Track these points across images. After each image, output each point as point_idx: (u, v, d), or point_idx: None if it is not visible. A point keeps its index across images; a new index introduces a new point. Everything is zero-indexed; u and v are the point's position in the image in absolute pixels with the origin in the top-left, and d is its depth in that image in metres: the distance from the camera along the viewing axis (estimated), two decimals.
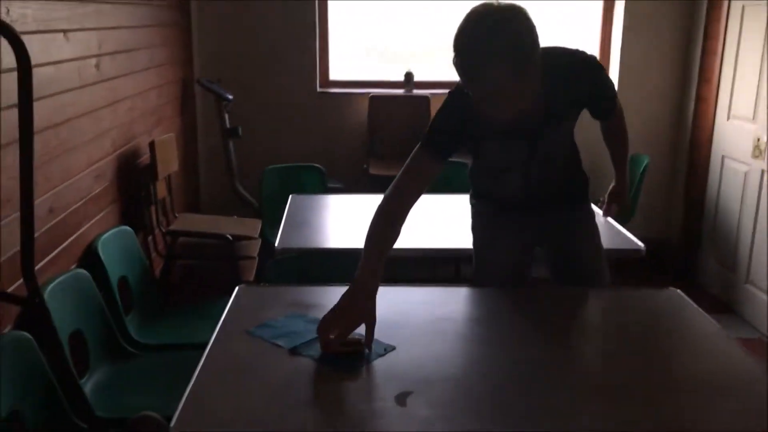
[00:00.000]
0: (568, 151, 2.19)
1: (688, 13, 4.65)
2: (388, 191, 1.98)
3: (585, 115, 2.15)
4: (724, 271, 4.25)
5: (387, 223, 1.94)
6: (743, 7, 4.08)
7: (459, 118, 1.96)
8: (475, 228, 2.36)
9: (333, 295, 1.99)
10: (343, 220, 3.10)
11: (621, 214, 2.67)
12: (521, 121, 1.85)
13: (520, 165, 2.12)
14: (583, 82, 1.96)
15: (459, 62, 1.70)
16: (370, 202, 3.29)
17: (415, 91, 4.71)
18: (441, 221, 2.94)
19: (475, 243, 2.35)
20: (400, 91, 4.79)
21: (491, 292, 2.21)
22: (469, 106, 1.83)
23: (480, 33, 1.66)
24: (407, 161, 1.99)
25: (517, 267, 2.31)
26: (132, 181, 3.26)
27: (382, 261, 1.87)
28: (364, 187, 4.45)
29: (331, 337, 1.74)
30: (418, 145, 1.99)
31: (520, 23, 1.66)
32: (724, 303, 4.22)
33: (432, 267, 3.81)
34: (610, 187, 2.62)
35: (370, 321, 1.77)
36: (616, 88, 4.58)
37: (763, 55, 3.87)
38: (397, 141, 4.67)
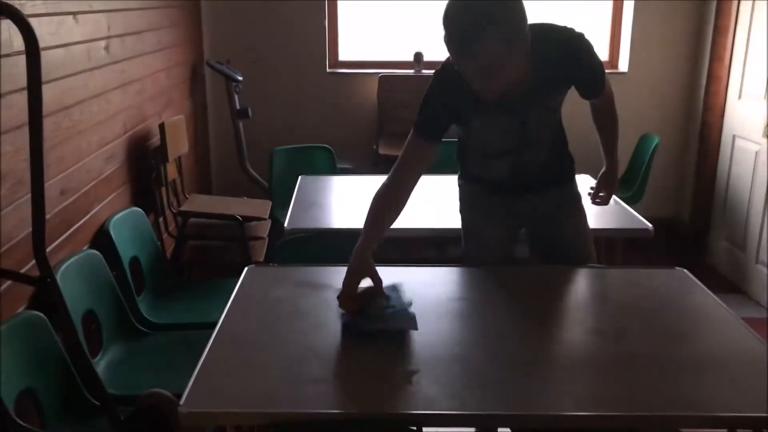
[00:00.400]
0: (555, 132, 2.18)
1: None
2: (387, 179, 2.02)
3: (574, 97, 2.14)
4: (734, 250, 4.24)
5: (385, 208, 2.01)
6: None
7: (447, 98, 1.99)
8: (463, 209, 2.36)
9: (341, 275, 2.01)
10: (352, 200, 3.11)
11: (607, 200, 2.44)
12: (509, 97, 1.88)
13: (509, 143, 2.11)
14: (571, 59, 1.96)
15: (451, 34, 1.73)
16: (380, 183, 3.32)
17: (425, 71, 4.70)
18: (427, 202, 2.93)
19: (463, 224, 2.36)
20: (409, 71, 4.77)
21: (483, 272, 2.22)
22: (457, 84, 1.87)
23: (472, 3, 1.70)
24: (403, 149, 2.04)
25: (505, 247, 2.32)
26: (143, 163, 3.29)
27: (380, 240, 1.96)
28: (374, 168, 4.46)
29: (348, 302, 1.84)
30: (411, 132, 2.03)
31: None
32: (733, 283, 4.22)
33: (419, 248, 3.83)
34: (601, 171, 2.44)
35: (371, 272, 1.87)
36: (625, 69, 4.50)
37: None
38: (407, 121, 4.63)
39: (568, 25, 1.98)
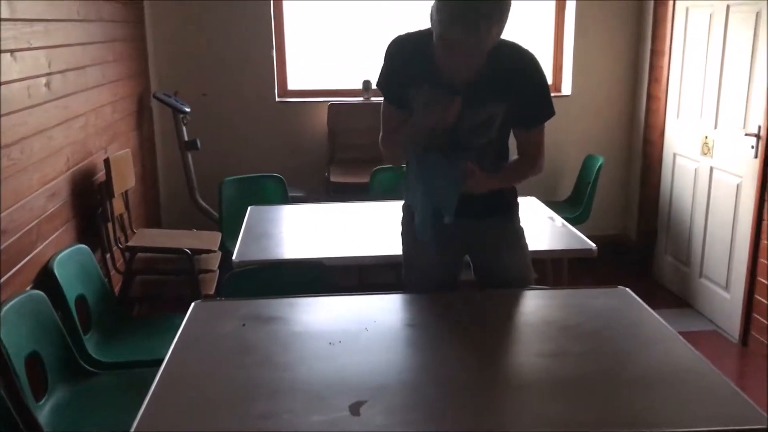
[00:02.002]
0: (495, 151, 2.21)
1: (636, 14, 4.76)
2: (381, 137, 2.23)
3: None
4: (679, 266, 4.36)
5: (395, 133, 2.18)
6: (687, 9, 4.19)
7: (400, 64, 2.10)
8: (405, 235, 2.38)
9: (292, 307, 2.02)
10: (303, 230, 3.12)
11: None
12: (457, 80, 2.00)
13: (446, 129, 2.11)
14: (523, 74, 2.05)
15: (450, 5, 1.81)
16: (331, 211, 3.36)
17: (374, 99, 4.75)
18: (382, 228, 2.97)
19: (404, 250, 2.39)
20: (359, 99, 4.82)
21: (426, 298, 2.24)
22: (408, 54, 2.06)
23: None
24: (381, 110, 2.21)
25: (446, 274, 2.35)
26: (88, 199, 3.24)
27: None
28: (326, 195, 4.47)
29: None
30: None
31: None
32: (680, 297, 4.33)
33: (377, 273, 3.86)
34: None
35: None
36: (568, 92, 4.60)
37: (706, 55, 3.98)
38: (357, 148, 4.70)
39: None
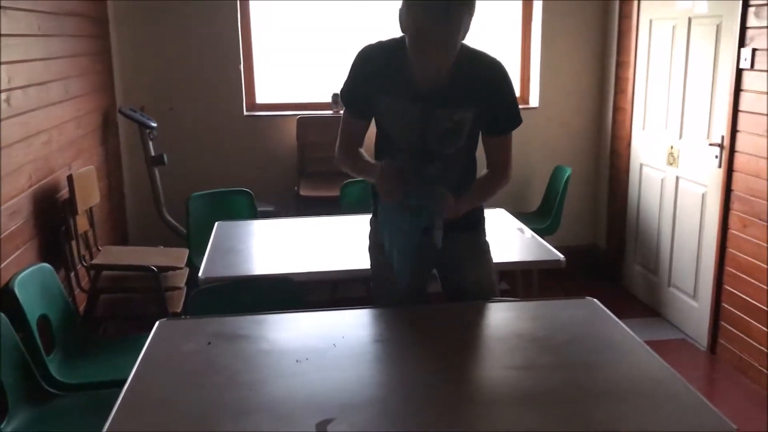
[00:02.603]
0: (464, 163, 2.22)
1: (601, 27, 4.83)
2: (338, 148, 2.25)
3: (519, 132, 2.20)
4: (648, 274, 4.40)
5: (353, 155, 2.24)
6: (651, 21, 4.26)
7: (367, 76, 2.10)
8: (372, 249, 2.37)
9: (259, 324, 1.99)
10: (272, 245, 3.09)
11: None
12: (423, 86, 2.02)
13: (410, 135, 2.13)
14: (491, 82, 2.07)
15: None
16: (299, 226, 3.33)
17: (343, 112, 4.73)
18: (350, 243, 2.95)
19: (372, 264, 2.37)
20: (328, 112, 4.81)
21: (394, 312, 2.22)
22: (376, 65, 2.07)
23: None
24: (341, 121, 2.23)
25: (415, 288, 2.33)
26: (51, 217, 3.18)
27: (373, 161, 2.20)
28: (296, 210, 4.44)
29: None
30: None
31: None
32: (649, 306, 4.37)
33: (346, 287, 3.84)
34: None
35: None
36: (536, 104, 4.64)
37: (670, 67, 4.05)
38: (327, 161, 4.66)
39: None
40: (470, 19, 1.93)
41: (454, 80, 2.04)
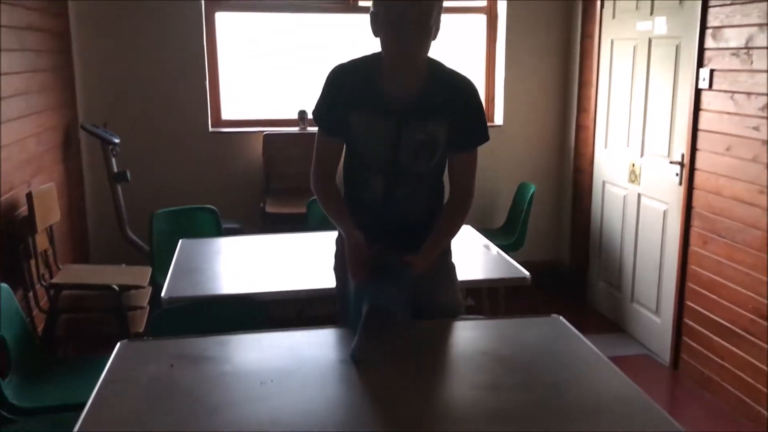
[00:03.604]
0: (433, 180, 2.22)
1: (564, 47, 4.91)
2: (313, 171, 2.22)
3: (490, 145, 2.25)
4: (611, 290, 4.45)
5: (329, 192, 2.21)
6: (612, 41, 4.34)
7: (339, 92, 2.12)
8: (338, 270, 2.34)
9: (223, 346, 1.94)
10: (237, 263, 3.05)
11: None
12: (395, 100, 2.07)
13: (382, 152, 2.13)
14: (460, 98, 2.12)
15: None
16: (265, 244, 3.29)
17: (310, 129, 4.73)
18: (319, 260, 2.91)
19: (337, 285, 2.35)
20: (294, 129, 4.80)
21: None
22: (348, 83, 2.09)
23: None
24: (315, 142, 2.21)
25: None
26: (9, 235, 3.10)
27: (348, 216, 2.16)
28: (262, 227, 4.40)
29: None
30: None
31: None
32: (613, 322, 4.41)
33: (317, 306, 3.80)
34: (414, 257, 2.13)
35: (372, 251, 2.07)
36: (500, 122, 4.68)
37: (631, 86, 4.12)
38: (293, 178, 4.66)
39: None
40: (440, 12, 2.00)
41: (425, 94, 2.08)
